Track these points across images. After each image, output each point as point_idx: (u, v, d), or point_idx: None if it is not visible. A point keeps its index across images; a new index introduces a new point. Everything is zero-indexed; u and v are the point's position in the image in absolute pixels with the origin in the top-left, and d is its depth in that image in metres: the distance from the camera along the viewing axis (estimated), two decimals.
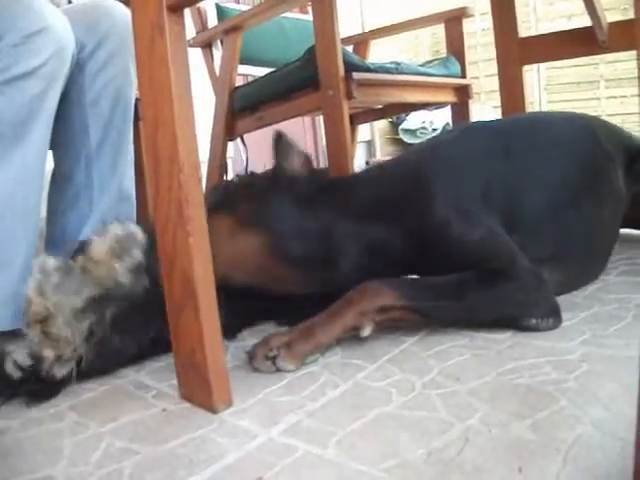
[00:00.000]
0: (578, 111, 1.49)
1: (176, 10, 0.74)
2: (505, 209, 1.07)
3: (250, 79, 2.18)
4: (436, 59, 2.12)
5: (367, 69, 1.67)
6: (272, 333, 0.95)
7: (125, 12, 1.34)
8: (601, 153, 1.23)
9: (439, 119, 4.31)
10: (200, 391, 0.80)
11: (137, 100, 1.43)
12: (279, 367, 0.90)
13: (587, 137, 1.25)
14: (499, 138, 1.18)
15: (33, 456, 0.73)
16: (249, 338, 1.10)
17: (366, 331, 0.94)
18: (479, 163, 1.12)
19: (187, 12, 1.03)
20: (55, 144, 1.34)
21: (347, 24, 2.55)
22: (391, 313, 0.96)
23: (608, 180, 1.21)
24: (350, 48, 2.27)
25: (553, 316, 0.99)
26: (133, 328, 0.97)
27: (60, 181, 1.40)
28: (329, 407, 0.78)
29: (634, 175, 1.27)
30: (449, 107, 2.18)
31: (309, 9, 2.16)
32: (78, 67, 1.30)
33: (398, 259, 1.08)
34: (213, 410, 0.79)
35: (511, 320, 1.00)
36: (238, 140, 2.17)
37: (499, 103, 1.99)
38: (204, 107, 1.84)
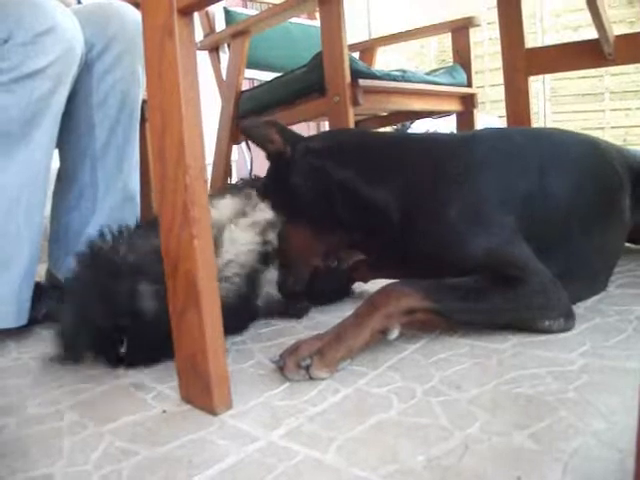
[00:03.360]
0: (582, 122, 1.50)
1: (186, 13, 0.74)
2: (522, 221, 1.08)
3: (256, 83, 2.19)
4: (442, 67, 2.12)
5: (373, 76, 1.67)
6: (300, 340, 0.93)
7: (135, 14, 1.35)
8: (615, 177, 1.23)
9: (443, 127, 4.32)
10: (201, 393, 0.80)
11: (143, 102, 1.44)
12: (313, 376, 0.88)
13: (604, 160, 1.26)
14: (527, 149, 1.19)
15: (31, 455, 0.73)
16: (249, 342, 1.10)
17: (393, 333, 0.94)
18: (506, 170, 1.13)
19: (195, 15, 1.04)
20: (61, 143, 1.35)
21: (354, 31, 2.56)
22: (416, 315, 0.96)
23: (618, 203, 1.22)
24: (357, 55, 2.27)
25: (566, 318, 1.01)
26: None
27: (65, 180, 1.41)
28: (330, 412, 0.78)
29: (638, 198, 1.28)
30: (454, 116, 2.18)
31: (317, 15, 2.17)
32: (86, 67, 1.31)
33: (394, 243, 1.13)
34: (213, 412, 0.79)
35: (526, 322, 1.01)
36: (243, 144, 2.17)
37: (504, 112, 1.99)
38: (210, 110, 1.85)
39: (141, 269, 1.00)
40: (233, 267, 1.11)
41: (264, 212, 1.23)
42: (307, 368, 0.88)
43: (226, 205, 1.22)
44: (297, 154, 1.19)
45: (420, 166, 1.15)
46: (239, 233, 1.16)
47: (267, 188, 1.28)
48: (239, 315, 1.09)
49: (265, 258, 1.20)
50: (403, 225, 1.11)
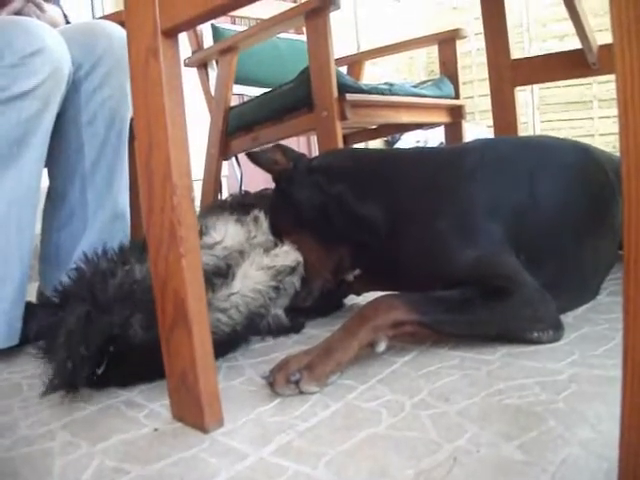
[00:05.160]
0: (571, 131, 1.50)
1: (171, 35, 0.75)
2: (511, 231, 1.09)
3: (245, 99, 2.19)
4: (429, 80, 2.14)
5: (360, 90, 1.69)
6: (289, 356, 0.94)
7: (122, 32, 1.36)
8: (607, 184, 1.23)
9: (433, 138, 4.34)
10: (192, 411, 0.81)
11: (132, 119, 1.45)
12: (303, 390, 0.88)
13: (596, 167, 1.26)
14: (515, 159, 1.20)
15: (23, 476, 0.72)
16: (241, 358, 1.10)
17: (381, 346, 0.95)
18: (494, 181, 1.14)
19: (183, 32, 1.04)
20: (50, 162, 1.35)
21: (342, 44, 2.58)
22: (404, 328, 0.96)
23: (610, 211, 1.21)
24: (344, 69, 2.29)
25: (555, 329, 1.02)
26: None
27: (55, 199, 1.41)
28: (320, 427, 0.78)
29: None
30: (443, 127, 2.19)
31: (304, 29, 2.18)
32: (74, 86, 1.31)
33: (387, 256, 1.16)
34: (204, 430, 0.79)
35: (514, 334, 1.02)
36: (233, 159, 2.18)
37: None
38: (199, 126, 1.86)
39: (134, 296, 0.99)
40: (235, 301, 1.10)
41: (286, 257, 1.23)
42: (297, 383, 0.88)
43: (237, 233, 1.22)
44: (299, 171, 1.26)
45: (410, 181, 1.17)
46: (254, 272, 1.16)
47: (274, 207, 1.33)
48: (223, 348, 1.09)
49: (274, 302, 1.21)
50: (394, 238, 1.13)
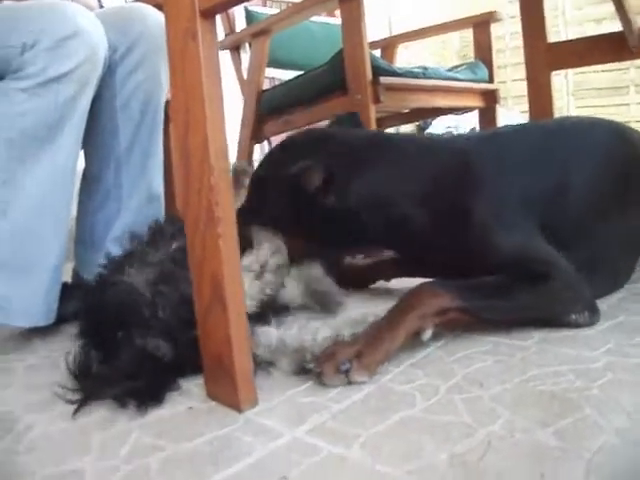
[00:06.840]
0: (607, 117, 1.46)
1: (208, 16, 0.75)
2: (543, 216, 1.08)
3: (277, 82, 2.19)
4: (464, 64, 2.12)
5: (394, 73, 1.68)
6: (334, 345, 0.91)
7: (157, 15, 1.36)
8: (637, 163, 1.21)
9: (465, 123, 4.29)
10: (226, 390, 0.81)
11: (166, 102, 1.45)
12: (353, 380, 0.86)
13: (625, 146, 1.24)
14: (545, 143, 1.18)
15: (61, 450, 0.74)
16: None
17: (427, 334, 0.94)
18: (525, 167, 1.13)
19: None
20: (86, 145, 1.36)
21: (375, 28, 2.56)
22: (448, 315, 0.96)
23: None
24: (378, 52, 2.27)
25: (591, 312, 1.02)
26: None
27: (90, 182, 1.43)
28: (353, 409, 0.78)
29: None
30: (476, 111, 2.17)
31: (337, 13, 2.18)
32: (110, 70, 1.32)
33: (423, 245, 1.14)
34: (239, 409, 0.80)
35: (553, 317, 1.03)
36: (265, 142, 2.19)
37: (527, 108, 1.98)
38: (232, 109, 1.86)
39: None
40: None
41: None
42: (346, 372, 0.86)
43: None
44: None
45: (444, 170, 1.14)
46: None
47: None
48: None
49: None
50: (431, 226, 1.10)
